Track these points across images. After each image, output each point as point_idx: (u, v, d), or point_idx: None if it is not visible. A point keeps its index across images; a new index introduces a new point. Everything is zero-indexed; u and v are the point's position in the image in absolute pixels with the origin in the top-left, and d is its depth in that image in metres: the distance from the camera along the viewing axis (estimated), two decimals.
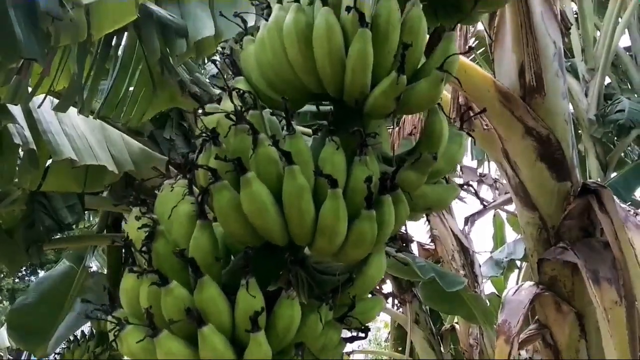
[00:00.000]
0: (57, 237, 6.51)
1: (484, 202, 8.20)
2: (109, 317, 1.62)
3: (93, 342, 6.57)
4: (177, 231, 1.66)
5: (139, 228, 1.63)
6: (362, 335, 1.82)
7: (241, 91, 1.76)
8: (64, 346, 6.69)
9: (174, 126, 6.99)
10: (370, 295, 1.84)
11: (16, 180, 4.70)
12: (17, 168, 4.56)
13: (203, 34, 3.86)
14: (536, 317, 4.22)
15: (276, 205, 1.59)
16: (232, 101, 1.67)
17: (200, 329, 1.49)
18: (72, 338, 6.70)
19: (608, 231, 3.49)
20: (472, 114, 3.11)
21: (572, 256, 3.61)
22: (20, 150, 4.45)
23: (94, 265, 7.26)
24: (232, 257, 1.79)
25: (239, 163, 1.56)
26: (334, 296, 1.65)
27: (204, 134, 1.70)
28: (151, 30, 3.75)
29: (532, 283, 4.08)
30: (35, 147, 4.22)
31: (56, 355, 6.58)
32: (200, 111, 1.77)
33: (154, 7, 3.69)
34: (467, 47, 3.59)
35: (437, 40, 1.85)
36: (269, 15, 1.88)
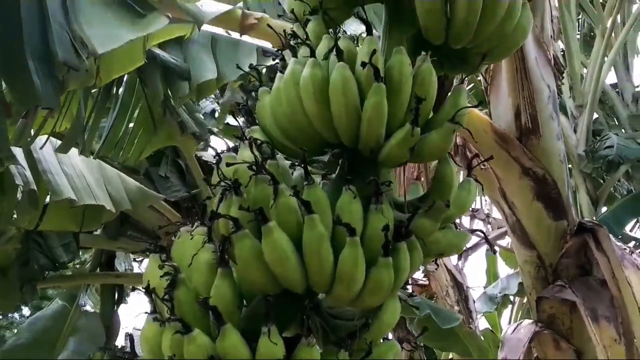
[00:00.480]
0: (51, 275, 6.47)
1: (478, 235, 8.26)
2: None
3: None
4: (197, 279, 1.70)
5: (161, 276, 1.67)
6: None
7: (259, 141, 1.83)
8: None
9: (169, 163, 7.04)
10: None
11: (14, 218, 4.71)
12: (15, 208, 4.58)
13: (205, 77, 3.95)
14: (535, 355, 4.25)
15: (296, 254, 1.63)
16: (252, 151, 1.73)
17: None
18: None
19: (605, 270, 3.56)
20: (478, 160, 3.19)
21: (571, 294, 3.67)
22: (19, 190, 4.48)
23: (87, 304, 7.20)
24: (245, 302, 1.82)
25: (261, 213, 1.61)
26: (352, 342, 1.69)
27: (223, 183, 1.75)
28: (155, 73, 3.83)
29: (530, 321, 4.12)
30: (35, 188, 4.25)
31: None
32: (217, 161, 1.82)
33: (157, 51, 3.78)
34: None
35: (441, 87, 1.94)
36: (283, 67, 1.96)
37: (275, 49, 2.42)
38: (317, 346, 1.71)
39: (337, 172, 1.89)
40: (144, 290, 1.72)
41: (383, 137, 1.76)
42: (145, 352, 1.69)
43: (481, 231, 2.05)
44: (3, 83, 2.58)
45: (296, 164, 1.94)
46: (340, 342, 1.69)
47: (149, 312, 1.71)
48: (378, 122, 1.73)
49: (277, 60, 2.04)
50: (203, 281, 1.69)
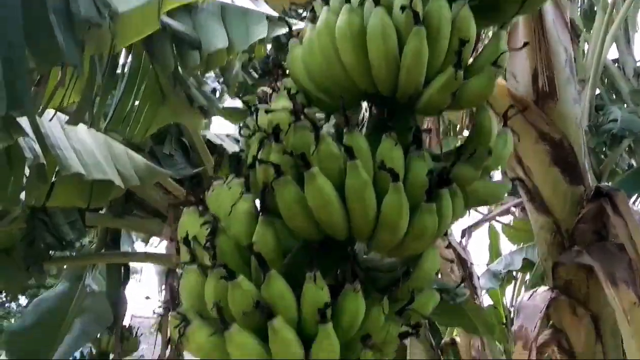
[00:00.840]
0: (57, 255, 6.43)
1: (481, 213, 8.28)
2: (174, 314, 1.60)
3: None
4: (237, 228, 1.67)
5: (202, 225, 1.64)
6: (414, 331, 1.83)
7: (292, 91, 1.79)
8: None
9: (173, 142, 6.98)
10: None
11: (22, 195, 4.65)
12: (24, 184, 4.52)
13: (216, 46, 3.89)
14: (551, 321, 4.26)
15: (339, 200, 1.60)
16: (290, 98, 1.70)
17: (270, 322, 1.50)
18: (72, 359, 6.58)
19: (622, 233, 3.55)
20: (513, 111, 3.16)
21: (588, 259, 3.67)
22: (27, 165, 4.42)
23: (93, 284, 7.17)
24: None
25: (303, 158, 1.58)
26: (395, 289, 1.67)
27: (259, 132, 1.71)
28: (165, 42, 3.77)
29: (546, 288, 4.12)
30: (44, 162, 4.19)
31: None
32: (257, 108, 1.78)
33: (167, 19, 3.71)
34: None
35: None
36: (313, 19, 1.91)
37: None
38: None
39: (371, 122, 1.85)
40: (182, 240, 1.69)
41: (422, 83, 1.73)
42: (185, 301, 1.67)
43: (520, 179, 2.01)
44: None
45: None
46: (383, 290, 1.67)
47: (188, 262, 1.68)
48: (418, 67, 1.69)
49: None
50: (243, 230, 1.66)
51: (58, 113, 4.38)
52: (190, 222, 1.73)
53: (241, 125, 1.83)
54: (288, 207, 1.61)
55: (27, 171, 4.49)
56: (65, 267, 7.78)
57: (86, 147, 4.71)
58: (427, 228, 1.63)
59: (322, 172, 1.60)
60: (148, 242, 8.37)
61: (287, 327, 1.52)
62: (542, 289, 4.07)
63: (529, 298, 4.07)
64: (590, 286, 3.82)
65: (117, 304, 6.64)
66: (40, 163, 4.16)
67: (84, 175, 4.39)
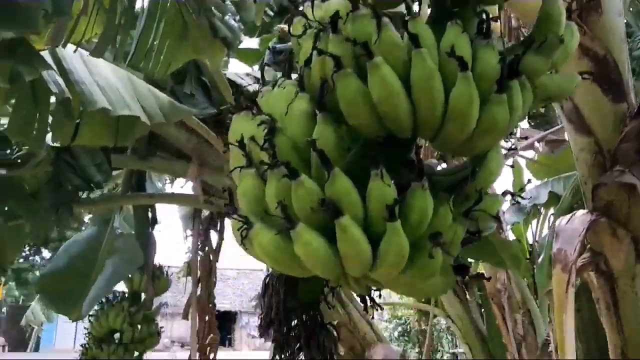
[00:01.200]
0: (84, 199, 6.44)
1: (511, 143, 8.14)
2: (235, 216, 1.54)
3: (127, 302, 6.57)
4: (294, 128, 1.59)
5: (258, 124, 1.56)
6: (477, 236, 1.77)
7: None
8: (97, 308, 6.69)
9: (193, 81, 6.87)
10: None
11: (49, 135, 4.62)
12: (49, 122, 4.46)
13: None
14: (588, 245, 4.19)
15: (405, 92, 1.51)
16: None
17: (338, 220, 1.43)
18: (105, 300, 6.69)
19: None
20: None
21: (631, 177, 3.55)
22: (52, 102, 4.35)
23: (121, 228, 7.22)
24: None
25: (365, 47, 1.48)
26: (463, 187, 1.59)
27: (315, 25, 1.61)
28: None
29: (585, 211, 4.03)
30: (70, 97, 4.12)
31: (90, 318, 6.58)
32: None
33: None
34: None
35: None
36: None
37: None
38: None
39: (433, 11, 1.73)
40: (237, 144, 1.61)
41: None
42: (243, 206, 1.60)
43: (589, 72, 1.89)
44: None
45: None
46: (451, 188, 1.59)
47: (244, 166, 1.61)
48: None
49: None
50: (300, 131, 1.58)
51: (80, 49, 4.28)
52: (243, 125, 1.65)
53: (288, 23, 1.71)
54: (349, 101, 1.52)
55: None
56: (89, 215, 7.86)
57: (110, 83, 4.63)
58: (498, 121, 1.53)
59: (386, 62, 1.50)
60: (172, 185, 8.39)
61: (355, 225, 1.45)
62: (581, 212, 3.97)
63: (568, 222, 3.98)
64: (631, 206, 3.71)
65: (147, 245, 6.68)
66: (66, 97, 4.09)
67: (110, 110, 4.32)
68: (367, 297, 1.78)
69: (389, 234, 1.45)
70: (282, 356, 1.66)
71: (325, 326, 1.68)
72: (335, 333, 1.70)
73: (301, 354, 1.70)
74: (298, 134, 1.58)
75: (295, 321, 1.62)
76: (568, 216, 4.22)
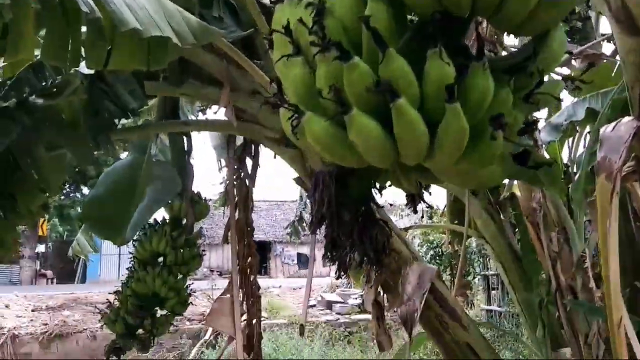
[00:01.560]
0: (120, 127, 6.48)
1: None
2: (286, 105, 1.49)
3: (168, 227, 6.69)
4: (342, 10, 1.50)
5: (307, 5, 1.48)
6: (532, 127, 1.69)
7: None
8: (140, 233, 6.84)
9: (220, 4, 6.71)
10: None
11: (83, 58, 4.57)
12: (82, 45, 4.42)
13: None
14: (633, 154, 4.05)
15: None
16: None
17: (394, 102, 1.37)
18: (147, 225, 6.83)
19: None
20: None
21: None
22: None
23: (158, 155, 7.28)
24: None
25: None
26: (525, 68, 1.50)
27: None
28: None
29: (630, 118, 3.88)
30: (101, 16, 4.04)
31: (134, 243, 6.75)
32: None
33: None
34: None
35: None
36: None
37: None
38: None
39: None
40: (282, 30, 1.54)
41: None
42: (291, 95, 1.55)
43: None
44: None
45: None
46: (511, 70, 1.50)
47: (291, 54, 1.54)
48: None
49: None
50: (349, 12, 1.49)
51: None
52: (288, 12, 1.57)
53: None
54: None
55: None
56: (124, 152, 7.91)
57: (139, 3, 4.52)
58: None
59: None
60: (205, 112, 8.37)
61: (411, 106, 1.39)
62: (627, 119, 3.81)
63: (613, 129, 3.83)
64: None
65: (184, 171, 6.73)
66: (97, 17, 4.01)
67: (141, 31, 4.23)
68: (416, 195, 1.74)
69: (448, 117, 1.38)
70: (335, 252, 1.64)
71: (377, 221, 1.65)
72: (387, 228, 1.66)
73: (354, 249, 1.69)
74: (347, 15, 1.50)
75: (348, 216, 1.59)
76: (613, 124, 4.07)
